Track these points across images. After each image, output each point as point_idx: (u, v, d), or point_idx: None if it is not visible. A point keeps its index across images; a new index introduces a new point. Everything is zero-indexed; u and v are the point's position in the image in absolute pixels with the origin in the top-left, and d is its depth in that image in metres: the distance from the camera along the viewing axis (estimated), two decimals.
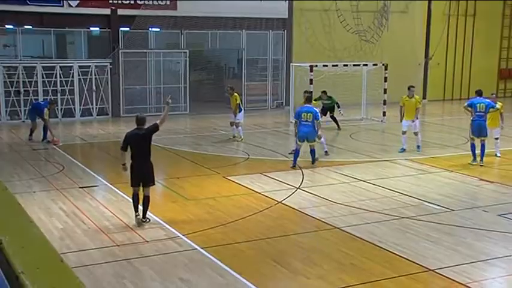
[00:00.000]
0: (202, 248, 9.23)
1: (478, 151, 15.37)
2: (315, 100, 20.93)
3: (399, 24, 28.10)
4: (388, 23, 27.46)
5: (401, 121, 16.96)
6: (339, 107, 20.83)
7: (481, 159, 15.37)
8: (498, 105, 15.76)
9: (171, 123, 20.89)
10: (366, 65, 23.46)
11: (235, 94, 18.80)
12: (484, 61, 30.99)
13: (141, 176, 10.33)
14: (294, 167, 14.80)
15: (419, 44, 29.27)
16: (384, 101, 22.69)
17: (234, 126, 18.74)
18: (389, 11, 27.44)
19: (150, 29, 23.99)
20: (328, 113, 21.05)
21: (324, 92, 20.93)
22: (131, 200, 10.52)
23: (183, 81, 24.56)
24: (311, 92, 17.06)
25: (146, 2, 23.51)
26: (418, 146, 16.95)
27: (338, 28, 26.47)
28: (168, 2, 23.88)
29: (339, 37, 26.62)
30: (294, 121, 15.84)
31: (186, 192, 12.58)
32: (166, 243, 9.50)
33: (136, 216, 10.32)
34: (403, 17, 28.35)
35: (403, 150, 16.78)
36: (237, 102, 18.62)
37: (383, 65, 22.89)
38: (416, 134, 16.90)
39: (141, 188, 10.38)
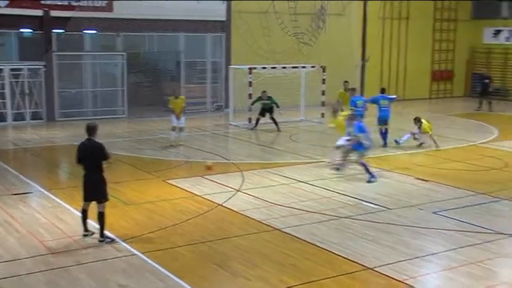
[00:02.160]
0: (142, 253, 9.11)
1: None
2: (255, 101, 21.04)
3: (336, 26, 28.46)
4: (326, 25, 27.78)
5: None
6: (278, 107, 20.98)
7: (385, 143, 18.01)
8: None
9: (108, 126, 20.56)
10: (304, 67, 23.68)
11: (182, 97, 18.56)
12: (418, 63, 31.84)
13: (91, 191, 9.57)
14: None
15: (356, 46, 29.77)
16: (323, 102, 22.95)
17: (177, 131, 18.28)
18: (326, 13, 27.76)
19: (85, 31, 23.48)
20: (268, 114, 21.14)
21: (265, 92, 21.04)
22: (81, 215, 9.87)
23: (120, 84, 24.15)
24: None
25: (81, 4, 23.00)
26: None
27: (276, 30, 26.57)
28: (103, 4, 23.43)
29: (277, 39, 26.72)
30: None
31: (125, 196, 12.36)
32: (105, 249, 9.31)
33: (84, 235, 9.69)
34: (340, 19, 28.73)
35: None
36: (183, 105, 18.37)
37: (321, 67, 23.16)
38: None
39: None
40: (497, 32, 32.09)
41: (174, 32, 24.84)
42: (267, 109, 21.12)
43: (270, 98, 20.96)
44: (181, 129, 18.28)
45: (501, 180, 14.21)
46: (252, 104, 21.36)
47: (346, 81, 21.20)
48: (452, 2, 32.63)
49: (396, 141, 18.12)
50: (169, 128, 18.53)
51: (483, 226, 10.62)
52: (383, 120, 18.26)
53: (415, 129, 18.05)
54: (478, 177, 14.64)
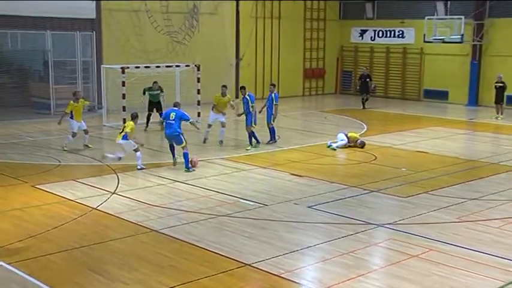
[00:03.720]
0: (8, 264, 8.58)
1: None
2: (145, 90, 20.38)
3: (210, 25, 28.55)
4: (199, 24, 27.79)
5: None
6: (163, 100, 20.70)
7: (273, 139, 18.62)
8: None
9: None
10: (179, 66, 23.51)
11: (82, 99, 17.71)
12: (291, 61, 32.66)
13: None
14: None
15: (230, 45, 30.01)
16: (198, 101, 22.90)
17: (80, 134, 17.56)
18: (198, 12, 27.76)
19: None
20: (155, 110, 20.64)
21: (156, 83, 20.59)
22: None
23: None
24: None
25: None
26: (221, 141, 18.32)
27: (149, 29, 26.20)
28: None
29: (150, 38, 26.36)
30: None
31: None
32: None
33: None
34: (213, 18, 28.86)
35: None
36: (87, 103, 17.85)
37: (195, 65, 23.10)
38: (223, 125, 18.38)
39: None
40: (363, 32, 33.70)
41: (39, 29, 23.62)
42: (155, 103, 20.66)
43: (160, 88, 20.62)
44: (86, 131, 17.63)
45: (371, 173, 14.89)
46: (144, 93, 20.73)
47: (224, 86, 19.38)
48: (321, 2, 33.79)
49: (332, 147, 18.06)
50: (38, 130, 17.70)
51: (355, 217, 11.07)
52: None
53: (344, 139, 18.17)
54: (350, 170, 15.26)
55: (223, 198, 12.38)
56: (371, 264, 9.04)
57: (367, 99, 27.99)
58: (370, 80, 28.37)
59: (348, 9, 34.54)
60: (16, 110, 23.18)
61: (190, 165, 14.86)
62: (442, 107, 29.09)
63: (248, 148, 17.64)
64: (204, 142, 18.29)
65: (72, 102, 17.47)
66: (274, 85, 19.07)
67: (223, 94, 18.55)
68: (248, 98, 17.95)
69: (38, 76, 25.30)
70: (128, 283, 8.06)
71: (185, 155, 14.89)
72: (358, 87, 29.04)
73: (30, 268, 8.45)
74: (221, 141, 18.27)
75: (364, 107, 27.70)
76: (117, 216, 11.03)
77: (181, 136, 15.02)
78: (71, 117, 17.43)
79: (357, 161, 16.31)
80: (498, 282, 8.19)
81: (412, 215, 11.27)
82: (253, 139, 17.96)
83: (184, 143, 15.00)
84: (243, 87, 18.54)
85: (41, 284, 7.92)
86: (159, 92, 20.67)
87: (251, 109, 17.87)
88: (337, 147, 17.86)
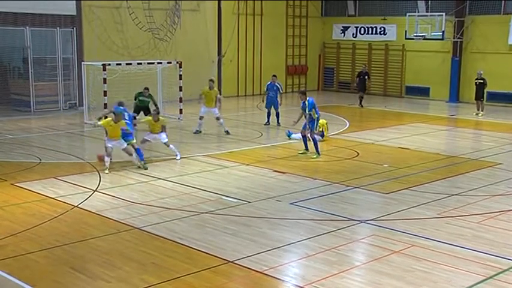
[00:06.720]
0: None
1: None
2: (137, 95, 19.91)
3: (192, 22, 28.48)
4: (181, 20, 27.69)
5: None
6: (156, 106, 20.26)
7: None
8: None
9: None
10: (160, 63, 23.39)
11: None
12: (273, 58, 32.62)
13: None
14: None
15: (212, 42, 29.95)
16: (180, 98, 22.82)
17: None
18: (180, 9, 27.67)
19: None
20: (142, 113, 20.30)
21: (147, 89, 20.00)
22: None
23: None
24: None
25: None
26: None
27: (130, 26, 26.06)
28: None
29: (131, 35, 26.22)
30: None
31: None
32: None
33: None
34: (195, 15, 28.78)
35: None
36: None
37: (177, 62, 23.01)
38: (218, 119, 19.32)
39: None
40: (345, 29, 33.79)
41: (18, 26, 23.33)
42: (144, 108, 20.11)
43: (150, 96, 20.02)
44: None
45: (353, 169, 14.94)
46: (135, 99, 20.28)
47: (211, 80, 20.29)
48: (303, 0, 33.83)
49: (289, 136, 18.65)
50: (18, 128, 17.50)
51: (337, 214, 11.10)
52: None
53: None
54: (332, 167, 15.29)
55: (205, 195, 12.35)
56: (353, 260, 9.07)
57: (362, 97, 27.59)
58: (369, 77, 28.06)
59: (330, 6, 34.62)
60: None
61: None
62: (424, 103, 29.30)
63: (314, 157, 16.19)
64: (195, 133, 19.29)
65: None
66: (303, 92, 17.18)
67: (211, 88, 19.50)
68: (307, 103, 16.32)
69: (18, 73, 25.04)
70: (110, 281, 8.01)
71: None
72: (356, 85, 28.95)
73: (11, 267, 8.36)
74: (227, 131, 19.20)
75: (361, 105, 27.47)
76: (99, 214, 10.95)
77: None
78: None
79: (339, 158, 16.36)
80: (479, 276, 8.26)
81: (394, 211, 11.33)
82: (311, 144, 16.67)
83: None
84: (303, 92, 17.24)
85: (22, 283, 7.84)
86: (149, 100, 20.05)
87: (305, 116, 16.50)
88: (294, 137, 18.27)
